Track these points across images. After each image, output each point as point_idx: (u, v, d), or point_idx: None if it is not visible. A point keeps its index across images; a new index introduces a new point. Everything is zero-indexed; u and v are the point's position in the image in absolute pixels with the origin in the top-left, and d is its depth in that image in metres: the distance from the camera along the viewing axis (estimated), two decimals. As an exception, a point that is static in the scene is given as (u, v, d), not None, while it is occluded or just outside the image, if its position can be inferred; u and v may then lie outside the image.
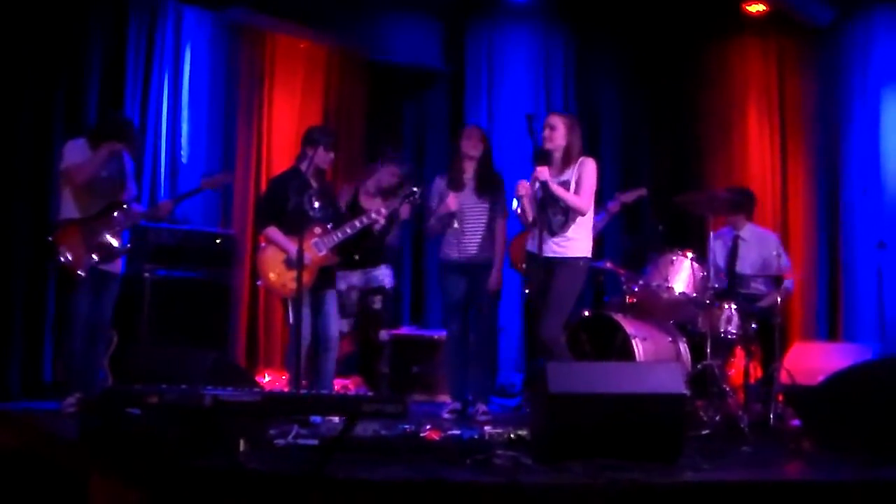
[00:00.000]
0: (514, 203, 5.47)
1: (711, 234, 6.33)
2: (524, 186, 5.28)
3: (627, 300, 6.21)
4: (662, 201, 6.74)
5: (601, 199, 5.82)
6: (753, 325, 5.74)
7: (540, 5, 8.34)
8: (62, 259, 5.36)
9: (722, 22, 7.97)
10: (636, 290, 6.14)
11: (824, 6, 7.57)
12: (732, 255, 5.87)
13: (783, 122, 7.94)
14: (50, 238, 5.43)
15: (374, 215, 5.61)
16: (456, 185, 5.90)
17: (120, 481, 3.70)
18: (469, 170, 5.89)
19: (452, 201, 5.83)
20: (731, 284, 5.77)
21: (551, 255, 5.24)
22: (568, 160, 5.35)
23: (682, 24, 8.01)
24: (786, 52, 7.96)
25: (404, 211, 6.01)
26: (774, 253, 6.09)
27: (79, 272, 5.37)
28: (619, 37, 8.41)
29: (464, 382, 5.90)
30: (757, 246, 6.23)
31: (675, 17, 7.98)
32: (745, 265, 6.05)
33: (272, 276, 5.52)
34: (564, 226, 5.29)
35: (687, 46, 8.20)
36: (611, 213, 6.63)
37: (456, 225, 5.83)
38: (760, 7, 7.63)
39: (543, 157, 5.26)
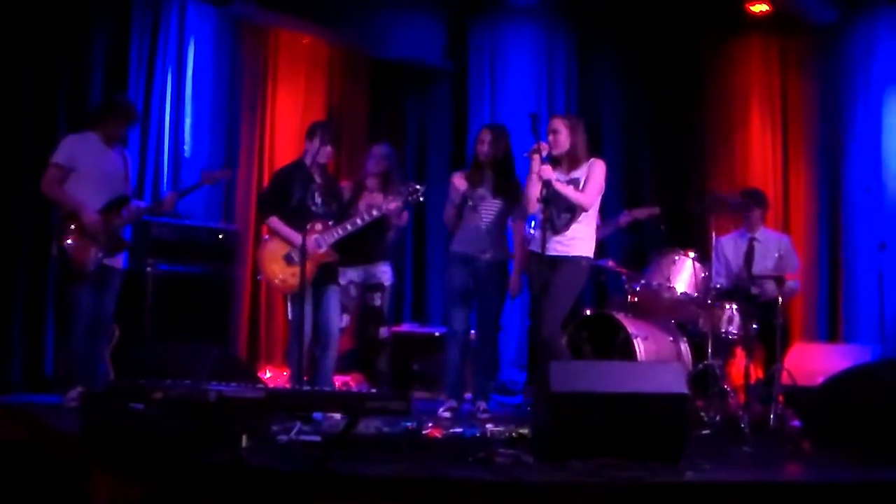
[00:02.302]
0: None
1: (724, 235, 6.36)
2: (543, 146, 5.26)
3: (629, 299, 6.22)
4: (665, 201, 6.76)
5: (606, 205, 5.82)
6: (754, 326, 5.75)
7: (543, 4, 8.34)
8: (70, 253, 5.36)
9: (725, 21, 7.98)
10: (638, 289, 6.14)
11: (828, 6, 7.57)
12: (748, 256, 5.88)
13: (785, 122, 7.95)
14: (57, 231, 5.42)
15: (375, 212, 5.63)
16: (474, 183, 5.87)
17: (122, 476, 3.71)
18: (488, 170, 5.87)
19: (458, 181, 5.83)
20: (747, 285, 5.78)
21: (554, 253, 5.27)
22: (576, 159, 5.40)
23: (685, 23, 8.02)
24: (789, 52, 7.96)
25: (403, 217, 6.03)
26: (776, 255, 6.11)
27: (86, 268, 5.37)
28: (622, 36, 8.42)
29: (462, 380, 5.90)
30: (772, 247, 6.25)
31: (678, 16, 7.98)
32: (761, 266, 6.06)
33: (271, 271, 5.54)
34: (569, 223, 5.32)
35: (690, 45, 8.20)
36: (620, 225, 6.65)
37: (470, 203, 5.81)
38: (763, 7, 7.64)
39: (552, 162, 5.32)
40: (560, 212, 5.33)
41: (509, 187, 5.83)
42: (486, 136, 5.86)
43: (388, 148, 6.53)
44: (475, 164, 5.90)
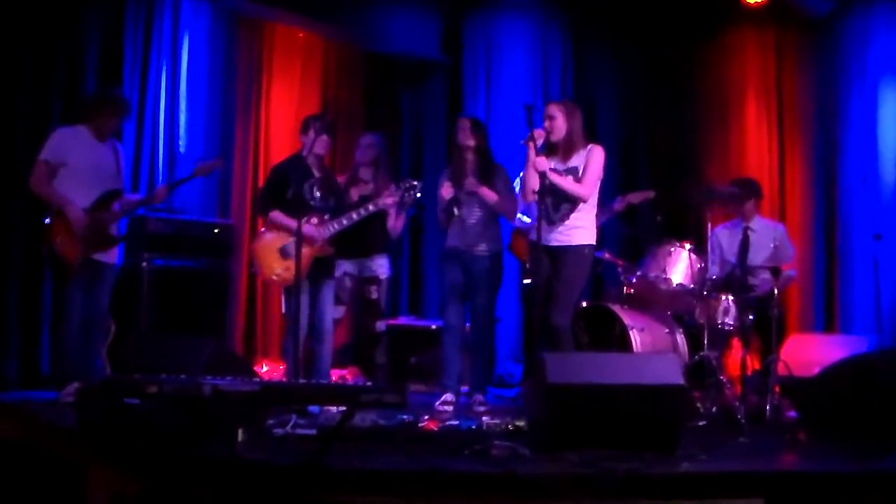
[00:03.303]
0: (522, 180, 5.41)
1: (720, 225, 6.37)
2: (539, 134, 5.25)
3: (625, 291, 6.22)
4: (660, 192, 6.76)
5: (602, 197, 5.83)
6: (751, 317, 5.75)
7: (538, -4, 8.35)
8: (58, 250, 5.35)
9: (720, 12, 7.97)
10: (634, 281, 6.15)
11: (823, -3, 7.58)
12: (744, 246, 5.90)
13: (781, 113, 7.95)
14: (46, 228, 5.40)
15: (371, 207, 5.64)
16: (455, 177, 5.88)
17: (119, 471, 3.71)
18: (469, 161, 5.87)
19: (446, 190, 5.83)
20: (742, 275, 5.79)
21: (556, 244, 5.27)
22: (572, 146, 5.37)
23: (680, 14, 8.01)
24: (784, 44, 7.96)
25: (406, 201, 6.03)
26: (772, 245, 6.11)
27: (75, 264, 5.35)
28: (616, 28, 8.41)
29: (458, 373, 5.91)
30: (767, 237, 6.26)
31: (673, 7, 7.97)
32: (756, 256, 6.07)
33: (266, 265, 5.56)
34: (570, 212, 5.31)
35: (685, 37, 8.19)
36: (615, 211, 6.65)
37: (456, 212, 5.82)
38: (759, -3, 7.64)
39: (550, 149, 5.31)
40: (559, 201, 5.31)
41: (490, 173, 5.81)
42: (466, 124, 5.89)
43: (376, 137, 6.53)
44: (456, 151, 5.89)
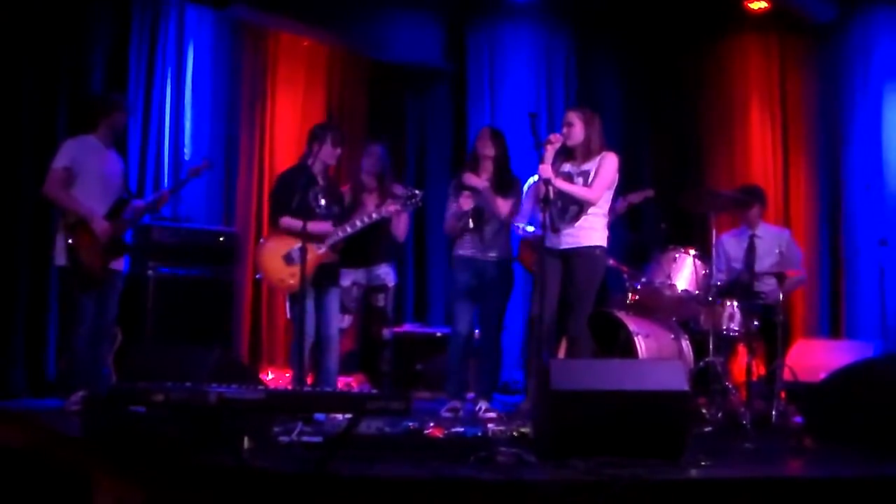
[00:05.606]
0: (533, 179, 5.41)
1: (725, 233, 6.37)
2: (557, 138, 5.29)
3: (630, 297, 6.21)
4: (665, 199, 6.76)
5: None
6: (756, 323, 5.75)
7: (541, 4, 8.36)
8: (84, 261, 5.34)
9: (724, 19, 7.99)
10: (639, 287, 6.14)
11: (826, 3, 7.58)
12: (750, 253, 5.90)
13: (785, 120, 7.95)
14: (68, 239, 5.38)
15: (375, 215, 5.66)
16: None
17: (124, 479, 3.71)
18: (486, 170, 5.90)
19: (465, 201, 5.85)
20: (749, 283, 5.78)
21: (565, 246, 5.30)
22: (589, 153, 5.41)
23: (683, 21, 8.03)
24: (787, 50, 7.97)
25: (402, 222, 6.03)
26: (777, 251, 6.11)
27: (97, 274, 5.35)
28: (620, 35, 8.42)
29: (464, 380, 5.91)
30: (773, 244, 6.26)
31: (676, 14, 7.99)
32: (762, 263, 6.07)
33: (270, 271, 5.57)
34: (579, 214, 5.33)
35: (689, 44, 8.21)
36: (617, 212, 6.65)
37: (471, 225, 5.86)
38: (762, 4, 7.65)
39: (566, 154, 5.34)
40: (567, 204, 5.34)
41: (507, 184, 5.85)
42: (486, 132, 5.96)
43: (384, 148, 6.54)
44: (474, 159, 5.92)
